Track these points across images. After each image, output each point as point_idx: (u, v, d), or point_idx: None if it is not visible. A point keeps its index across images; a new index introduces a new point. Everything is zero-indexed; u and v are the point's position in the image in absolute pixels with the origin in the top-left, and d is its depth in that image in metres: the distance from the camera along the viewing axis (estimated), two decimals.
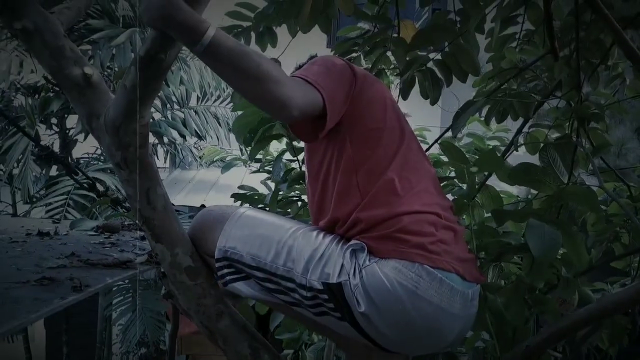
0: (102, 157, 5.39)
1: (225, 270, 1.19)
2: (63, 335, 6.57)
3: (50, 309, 0.71)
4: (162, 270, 1.25)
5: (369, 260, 1.10)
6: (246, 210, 1.28)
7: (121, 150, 1.14)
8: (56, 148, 5.15)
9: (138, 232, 1.59)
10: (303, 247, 1.15)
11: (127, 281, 5.50)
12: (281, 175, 1.83)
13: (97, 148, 5.70)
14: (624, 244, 1.63)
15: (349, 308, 1.09)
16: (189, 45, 1.03)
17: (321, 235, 1.18)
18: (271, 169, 2.47)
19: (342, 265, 1.10)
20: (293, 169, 1.93)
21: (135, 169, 1.15)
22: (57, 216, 4.21)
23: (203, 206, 1.46)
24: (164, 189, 1.23)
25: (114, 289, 5.41)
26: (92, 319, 6.61)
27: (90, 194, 4.31)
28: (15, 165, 4.87)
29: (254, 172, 2.61)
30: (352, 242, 1.14)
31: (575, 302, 1.45)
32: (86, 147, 5.60)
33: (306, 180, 1.39)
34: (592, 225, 1.60)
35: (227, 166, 2.59)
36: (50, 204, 4.47)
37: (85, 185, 1.41)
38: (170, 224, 1.21)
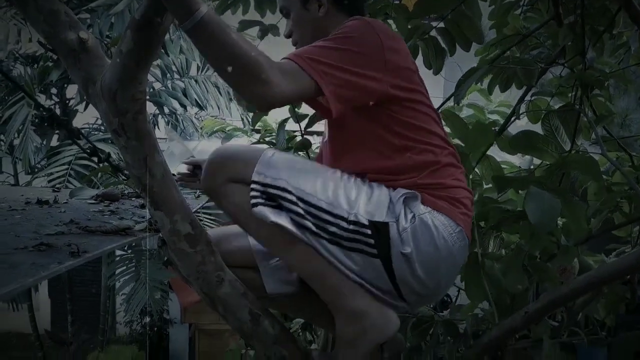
0: (102, 128, 5.37)
1: (259, 194, 1.17)
2: (67, 305, 6.66)
3: (48, 274, 0.71)
4: (162, 237, 1.25)
5: (423, 208, 1.19)
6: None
7: (118, 116, 1.12)
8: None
9: (137, 200, 1.59)
10: (350, 186, 1.19)
11: (129, 251, 5.54)
12: (284, 142, 1.82)
13: (97, 118, 5.68)
14: (625, 212, 1.63)
15: (389, 247, 1.16)
16: (179, 18, 1.01)
17: (365, 179, 1.23)
18: (272, 140, 2.46)
19: (391, 208, 1.18)
20: (295, 136, 1.91)
21: (133, 136, 1.13)
22: (59, 186, 4.21)
23: None
24: (162, 156, 1.22)
25: (117, 259, 5.45)
26: (95, 289, 6.69)
27: (92, 164, 4.32)
28: (16, 135, 4.86)
29: (254, 143, 2.60)
30: (405, 190, 1.20)
31: (575, 271, 1.45)
32: (86, 117, 5.58)
33: (325, 144, 1.39)
34: (594, 195, 1.59)
35: (227, 137, 2.58)
36: (52, 174, 4.47)
37: (87, 151, 1.40)
38: (169, 191, 1.20)
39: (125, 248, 5.68)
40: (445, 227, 1.20)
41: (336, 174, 1.22)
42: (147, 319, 7.04)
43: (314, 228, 1.15)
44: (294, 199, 1.15)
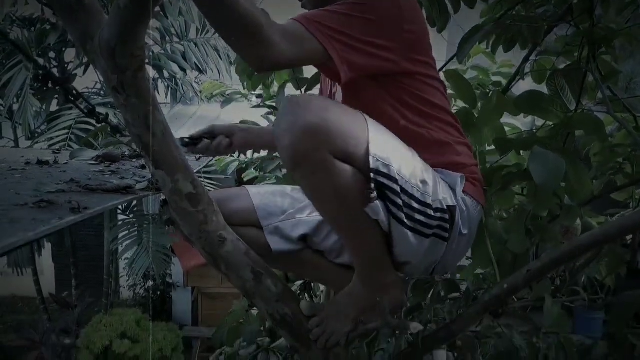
0: (102, 92, 5.34)
1: (374, 187, 1.07)
2: (71, 269, 6.73)
3: (48, 228, 0.71)
4: (164, 197, 1.25)
5: (462, 194, 1.20)
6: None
7: (117, 74, 1.10)
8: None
9: (138, 161, 1.58)
10: (428, 169, 1.16)
11: (132, 216, 5.57)
12: None
13: (97, 82, 5.63)
14: (628, 173, 1.62)
15: (453, 230, 1.17)
16: None
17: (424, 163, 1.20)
18: (272, 104, 2.44)
19: (452, 191, 1.19)
20: None
21: (132, 94, 1.11)
22: (59, 148, 4.21)
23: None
24: (163, 115, 1.20)
25: (119, 223, 5.48)
26: (98, 253, 6.75)
27: (92, 128, 4.30)
28: (15, 100, 4.82)
29: (255, 106, 2.58)
30: (453, 173, 1.21)
31: (578, 232, 1.45)
32: (86, 81, 5.53)
33: None
34: (597, 155, 1.58)
35: (227, 101, 2.56)
36: (52, 138, 4.46)
37: (84, 111, 1.38)
38: (170, 150, 1.19)
39: (128, 213, 5.72)
40: (475, 208, 1.23)
41: (413, 151, 1.17)
42: (150, 283, 7.14)
43: (406, 221, 1.11)
44: (398, 189, 1.08)
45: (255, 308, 1.61)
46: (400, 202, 1.09)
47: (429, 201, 1.12)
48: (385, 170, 1.06)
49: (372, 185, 1.06)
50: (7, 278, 8.15)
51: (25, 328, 6.21)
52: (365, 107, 1.20)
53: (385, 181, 1.07)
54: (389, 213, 1.10)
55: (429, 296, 1.40)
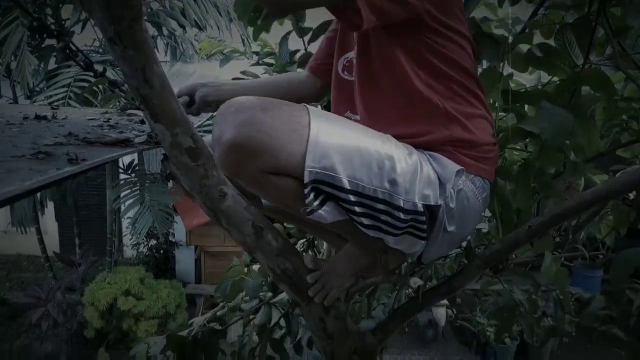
0: (100, 49, 5.26)
1: (312, 196, 1.03)
2: (74, 228, 6.79)
3: (45, 178, 0.69)
4: (164, 152, 1.23)
5: (464, 179, 1.12)
6: (312, 109, 1.08)
7: (114, 24, 1.07)
8: (52, 41, 4.99)
9: (137, 116, 1.56)
10: (403, 166, 1.06)
11: (133, 175, 5.57)
12: (287, 57, 1.76)
13: (95, 40, 5.54)
14: (635, 130, 1.60)
15: (435, 228, 1.11)
16: None
17: (410, 150, 1.12)
18: (271, 62, 2.39)
19: (441, 188, 1.10)
20: (298, 50, 1.85)
21: (129, 45, 1.09)
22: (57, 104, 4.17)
23: None
24: (161, 68, 1.18)
25: (121, 182, 5.49)
26: (101, 212, 6.80)
27: (88, 83, 4.25)
28: (13, 58, 4.75)
29: (254, 64, 2.53)
30: (452, 164, 1.12)
31: (580, 188, 1.45)
32: (84, 39, 5.44)
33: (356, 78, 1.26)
34: (603, 111, 1.55)
35: (225, 59, 2.51)
36: (51, 96, 4.41)
37: (82, 64, 1.35)
38: (169, 103, 1.16)
39: (129, 172, 5.72)
40: (483, 190, 1.17)
41: (389, 145, 1.08)
42: (153, 242, 7.20)
43: (366, 222, 1.06)
44: (349, 196, 1.03)
45: (256, 263, 1.61)
46: (354, 207, 1.05)
47: (399, 203, 1.05)
48: (329, 180, 1.02)
49: (308, 199, 1.03)
50: (12, 237, 8.23)
51: (31, 285, 6.31)
52: (379, 65, 1.16)
53: (332, 191, 1.03)
54: (348, 212, 1.06)
55: None
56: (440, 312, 6.26)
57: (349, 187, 1.02)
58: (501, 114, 1.55)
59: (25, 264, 8.73)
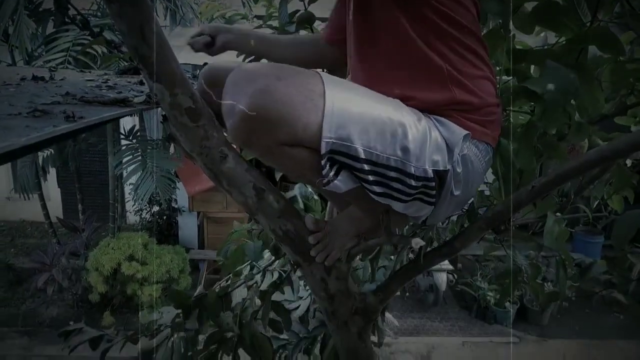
0: (99, 13, 5.17)
1: (328, 166, 1.02)
2: (77, 194, 6.81)
3: (41, 135, 0.68)
4: (163, 113, 1.22)
5: (469, 143, 1.12)
6: (325, 76, 1.04)
7: None
8: (50, 4, 4.91)
9: (136, 77, 1.54)
10: (413, 133, 1.04)
11: (134, 140, 5.56)
12: (287, 17, 1.72)
13: (93, 3, 5.46)
14: None
15: (443, 192, 1.11)
16: None
17: (419, 115, 1.10)
18: (274, 24, 2.35)
19: (449, 154, 1.09)
20: (298, 10, 1.81)
21: (126, 2, 1.06)
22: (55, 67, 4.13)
23: (206, 64, 1.35)
24: (159, 26, 1.15)
25: (123, 148, 5.48)
26: (103, 178, 6.82)
27: (90, 50, 4.19)
28: (10, 23, 4.68)
29: (257, 27, 2.49)
30: (458, 128, 1.10)
31: (584, 151, 1.43)
32: (82, 2, 5.35)
33: (349, 43, 1.23)
34: (610, 71, 1.53)
35: (227, 22, 2.46)
36: (50, 61, 4.36)
37: (78, 24, 1.32)
38: (169, 62, 1.14)
39: (131, 138, 5.70)
40: (487, 154, 1.16)
41: (400, 112, 1.06)
42: (156, 208, 7.23)
43: (378, 190, 1.06)
44: (364, 166, 1.02)
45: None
46: (368, 177, 1.04)
47: (410, 170, 1.04)
48: (344, 150, 1.00)
49: (325, 170, 1.02)
50: (15, 203, 8.28)
51: (35, 251, 6.37)
52: (379, 26, 1.13)
53: (347, 160, 1.02)
54: (360, 182, 1.06)
55: None
56: (441, 277, 6.33)
57: (363, 157, 1.01)
58: (505, 77, 1.52)
59: (29, 230, 8.79)
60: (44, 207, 6.74)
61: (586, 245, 6.84)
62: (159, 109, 1.25)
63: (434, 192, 1.09)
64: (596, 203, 1.67)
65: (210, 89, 1.19)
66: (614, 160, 1.09)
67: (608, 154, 1.01)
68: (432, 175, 1.06)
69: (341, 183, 1.04)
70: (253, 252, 1.56)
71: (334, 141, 0.99)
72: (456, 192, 1.11)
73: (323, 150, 0.99)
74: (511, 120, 1.59)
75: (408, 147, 1.03)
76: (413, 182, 1.05)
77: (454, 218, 1.41)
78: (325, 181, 1.03)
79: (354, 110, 1.01)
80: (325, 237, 1.25)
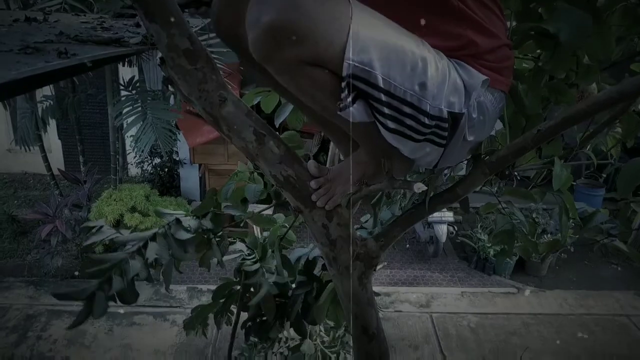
0: None
1: (347, 94, 1.00)
2: (78, 146, 6.79)
3: (33, 69, 0.66)
4: (160, 55, 1.18)
5: (485, 91, 1.10)
6: (354, 1, 1.01)
7: None
8: None
9: (133, 19, 1.49)
10: (433, 70, 1.03)
11: (134, 91, 5.50)
12: None
13: None
14: None
15: (455, 135, 1.09)
16: None
17: (441, 55, 1.07)
18: None
19: (466, 96, 1.07)
20: None
21: None
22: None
23: None
24: None
25: (122, 98, 5.42)
26: (103, 130, 6.78)
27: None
28: None
29: None
30: (477, 73, 1.08)
31: None
32: None
33: None
34: (621, 15, 1.48)
35: None
36: (45, 8, 4.25)
37: None
38: (164, 1, 1.11)
39: (130, 89, 5.63)
40: (500, 101, 1.15)
41: (422, 47, 1.04)
42: (157, 160, 7.23)
43: (391, 125, 1.04)
44: (380, 96, 1.00)
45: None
46: (383, 108, 1.02)
47: (426, 107, 1.03)
48: (364, 76, 0.98)
49: (344, 94, 1.00)
50: (16, 155, 8.27)
51: (38, 202, 6.40)
52: None
53: (364, 87, 1.00)
54: (373, 114, 1.04)
55: None
56: (442, 229, 6.37)
57: (382, 86, 1.00)
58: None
59: (31, 182, 8.82)
60: (45, 159, 6.73)
61: (588, 198, 6.87)
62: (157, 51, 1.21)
63: (445, 134, 1.08)
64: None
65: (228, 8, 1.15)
66: (622, 102, 1.06)
67: (616, 95, 0.98)
68: (447, 116, 1.05)
69: (356, 112, 1.03)
70: (253, 193, 1.55)
71: (356, 64, 0.97)
72: (469, 138, 1.11)
73: (344, 73, 0.98)
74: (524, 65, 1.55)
75: (426, 84, 1.01)
76: (427, 121, 1.04)
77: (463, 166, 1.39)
78: (341, 105, 1.01)
79: (378, 37, 0.99)
80: (327, 182, 1.24)
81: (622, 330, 5.55)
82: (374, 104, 1.02)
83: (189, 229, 1.52)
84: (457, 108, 1.06)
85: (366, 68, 0.98)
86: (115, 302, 1.41)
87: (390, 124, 1.04)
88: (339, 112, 1.03)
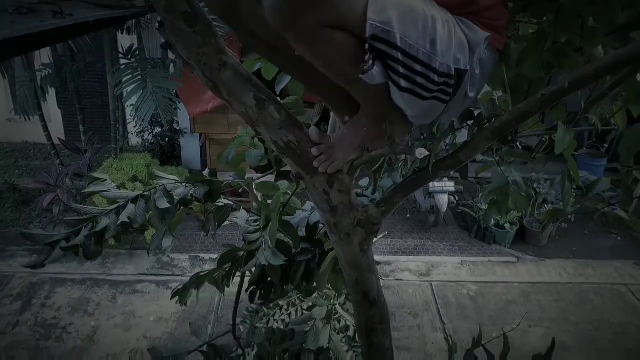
0: None
1: (370, 56, 1.01)
2: (78, 115, 6.75)
3: (27, 27, 0.64)
4: (160, 19, 1.16)
5: (484, 48, 1.11)
6: None
7: None
8: None
9: None
10: (441, 27, 1.04)
11: (133, 60, 5.44)
12: None
13: None
14: None
15: (458, 92, 1.10)
16: None
17: (446, 11, 1.08)
18: None
19: (470, 53, 1.08)
20: None
21: None
22: None
23: None
24: None
25: (122, 67, 5.37)
26: (103, 99, 6.74)
27: None
28: None
29: None
30: (479, 30, 1.10)
31: None
32: None
33: None
34: None
35: None
36: None
37: None
38: None
39: (129, 57, 5.58)
40: (493, 60, 1.17)
41: (431, 5, 1.06)
42: (158, 130, 7.20)
43: (403, 84, 1.05)
44: (398, 55, 1.01)
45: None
46: (399, 68, 1.03)
47: (435, 65, 1.04)
48: (384, 36, 0.99)
49: (367, 56, 1.00)
50: (17, 124, 8.24)
51: (39, 172, 6.40)
52: None
53: (384, 47, 1.01)
54: (387, 74, 1.04)
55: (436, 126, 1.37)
56: (443, 199, 6.38)
57: (399, 45, 1.00)
58: None
59: (32, 151, 8.81)
60: (45, 128, 6.71)
61: (590, 168, 6.86)
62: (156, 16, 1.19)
63: (451, 91, 1.09)
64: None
65: None
66: (631, 65, 1.04)
67: (624, 58, 0.96)
68: (454, 73, 1.07)
69: (375, 73, 1.03)
70: (254, 158, 1.54)
71: (377, 25, 0.98)
72: (471, 94, 1.12)
73: (368, 33, 0.98)
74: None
75: (436, 41, 1.03)
76: (436, 78, 1.05)
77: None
78: (365, 68, 1.02)
79: None
80: (328, 149, 1.23)
81: (620, 298, 5.61)
82: (390, 63, 1.03)
83: (175, 197, 1.52)
84: (462, 65, 1.07)
85: (386, 28, 0.98)
86: (77, 255, 1.42)
87: (403, 83, 1.05)
88: (360, 75, 1.03)
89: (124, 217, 1.44)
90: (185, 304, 1.83)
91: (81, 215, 1.45)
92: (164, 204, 1.49)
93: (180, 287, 1.80)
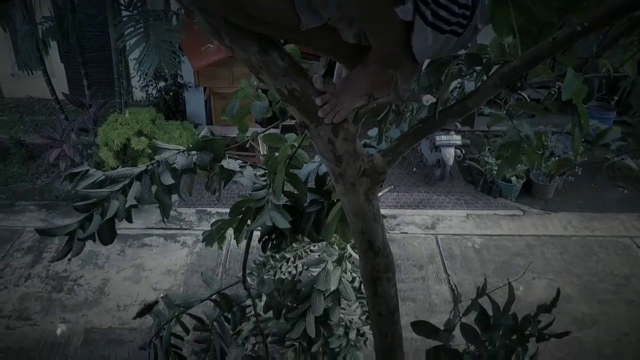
0: None
1: None
2: (81, 69, 6.69)
3: None
4: None
5: None
6: None
7: None
8: None
9: None
10: None
11: (135, 12, 5.34)
12: None
13: None
14: None
15: (468, 24, 1.09)
16: None
17: None
18: None
19: None
20: None
21: None
22: None
23: None
24: None
25: (125, 19, 5.27)
26: (106, 53, 6.65)
27: None
28: None
29: None
30: None
31: None
32: None
33: None
34: None
35: None
36: None
37: None
38: None
39: (131, 9, 5.47)
40: None
41: None
42: (162, 84, 7.13)
43: (430, 17, 1.03)
44: None
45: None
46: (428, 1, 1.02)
47: None
48: None
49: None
50: (20, 80, 8.19)
51: (45, 127, 6.39)
52: None
53: None
54: (416, 9, 1.03)
55: (447, 72, 1.34)
56: (449, 152, 6.35)
57: None
58: None
59: (36, 107, 8.78)
60: (49, 82, 6.66)
61: (599, 121, 6.77)
62: None
63: (466, 23, 1.08)
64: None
65: None
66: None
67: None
68: (471, 4, 1.06)
69: (408, 8, 1.02)
70: (259, 110, 1.52)
71: None
72: (480, 26, 1.11)
73: None
74: None
75: None
76: (456, 9, 1.05)
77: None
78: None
79: None
80: (333, 97, 1.21)
81: (624, 250, 5.64)
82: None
83: (178, 168, 1.50)
84: None
85: None
86: (94, 241, 1.44)
87: (430, 17, 1.04)
88: (396, 10, 1.01)
89: (131, 198, 1.43)
90: (216, 246, 1.86)
91: (90, 200, 1.44)
92: (168, 179, 1.48)
93: (208, 233, 1.83)
